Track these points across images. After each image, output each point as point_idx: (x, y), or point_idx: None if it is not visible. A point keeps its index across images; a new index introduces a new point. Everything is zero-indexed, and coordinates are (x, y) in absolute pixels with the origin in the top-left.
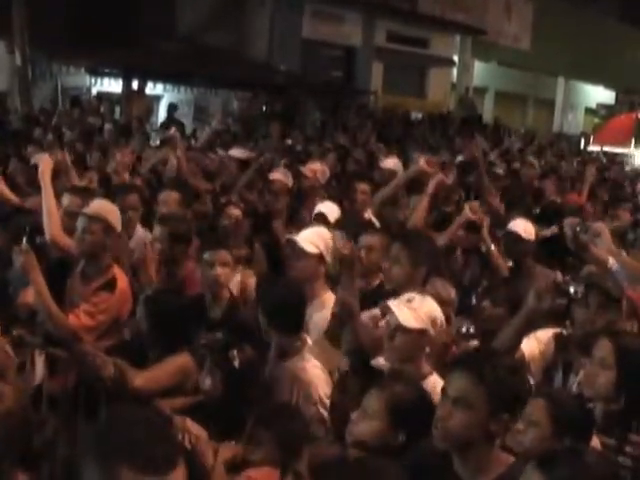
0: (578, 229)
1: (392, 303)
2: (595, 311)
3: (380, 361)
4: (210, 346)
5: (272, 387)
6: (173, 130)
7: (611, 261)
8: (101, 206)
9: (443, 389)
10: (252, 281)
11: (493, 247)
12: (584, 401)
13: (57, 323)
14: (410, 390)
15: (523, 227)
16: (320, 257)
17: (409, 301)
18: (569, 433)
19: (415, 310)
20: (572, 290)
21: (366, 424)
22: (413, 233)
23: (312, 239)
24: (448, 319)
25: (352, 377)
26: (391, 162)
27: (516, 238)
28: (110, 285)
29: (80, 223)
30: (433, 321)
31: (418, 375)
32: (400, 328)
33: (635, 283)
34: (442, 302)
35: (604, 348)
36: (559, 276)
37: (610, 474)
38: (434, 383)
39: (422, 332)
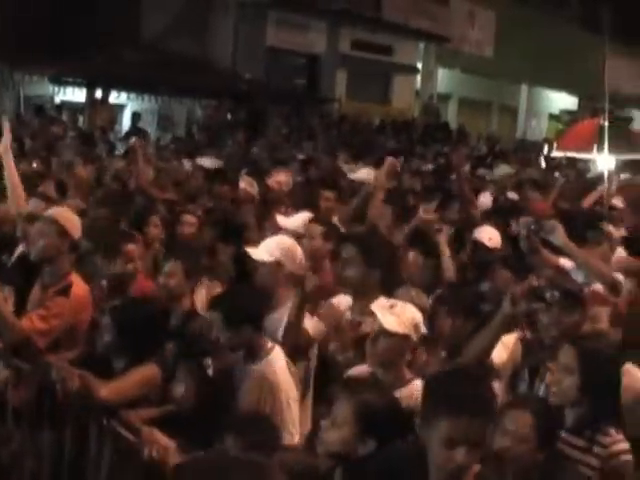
0: (532, 227)
1: (375, 308)
2: (559, 313)
3: (358, 370)
4: (184, 355)
5: (240, 392)
6: (134, 140)
7: (562, 262)
8: (59, 211)
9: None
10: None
11: (448, 254)
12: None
13: (9, 327)
14: (379, 397)
15: (488, 235)
16: (277, 264)
17: (392, 307)
18: (549, 442)
19: (398, 315)
20: (548, 295)
21: (335, 432)
22: (365, 234)
23: (269, 248)
24: None
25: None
26: (363, 173)
27: (480, 246)
28: (66, 291)
29: (36, 226)
30: (415, 327)
31: (400, 380)
32: (383, 332)
33: (593, 280)
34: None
35: (567, 355)
36: (534, 280)
37: None
38: (418, 388)
39: (405, 337)
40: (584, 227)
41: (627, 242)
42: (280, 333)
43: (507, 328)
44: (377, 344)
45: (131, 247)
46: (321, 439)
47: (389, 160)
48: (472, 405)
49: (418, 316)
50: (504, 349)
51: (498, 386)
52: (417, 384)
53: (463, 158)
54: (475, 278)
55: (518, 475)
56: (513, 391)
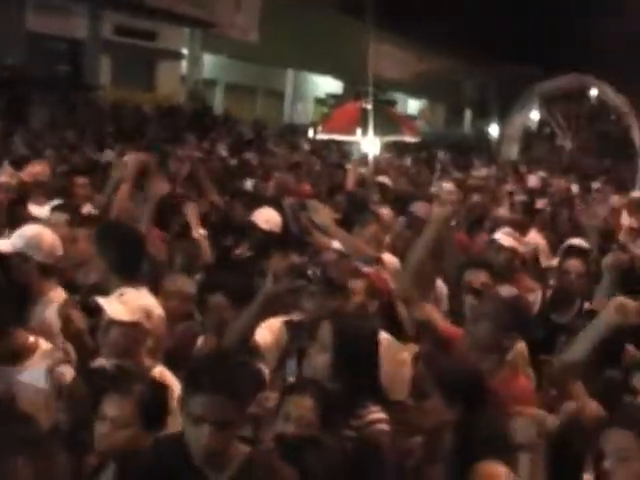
0: (295, 208)
1: (102, 299)
2: (322, 299)
3: (101, 361)
4: None
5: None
6: None
7: (335, 245)
8: None
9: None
10: None
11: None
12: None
13: None
14: (153, 387)
15: (265, 217)
16: (20, 255)
17: (121, 295)
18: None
19: (127, 303)
20: (310, 272)
21: (119, 433)
22: (108, 224)
23: (13, 239)
24: (191, 315)
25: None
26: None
27: (254, 228)
28: None
29: None
30: (148, 314)
31: (142, 369)
32: (111, 322)
33: (356, 258)
34: (184, 298)
35: (324, 331)
36: (296, 258)
37: None
38: (160, 374)
39: (135, 325)
40: (352, 209)
41: None
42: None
43: (271, 307)
44: (108, 335)
45: None
46: (100, 442)
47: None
48: (215, 383)
49: (151, 302)
50: (269, 332)
51: (265, 369)
52: (158, 371)
53: (194, 147)
54: (251, 260)
55: None
56: (281, 375)
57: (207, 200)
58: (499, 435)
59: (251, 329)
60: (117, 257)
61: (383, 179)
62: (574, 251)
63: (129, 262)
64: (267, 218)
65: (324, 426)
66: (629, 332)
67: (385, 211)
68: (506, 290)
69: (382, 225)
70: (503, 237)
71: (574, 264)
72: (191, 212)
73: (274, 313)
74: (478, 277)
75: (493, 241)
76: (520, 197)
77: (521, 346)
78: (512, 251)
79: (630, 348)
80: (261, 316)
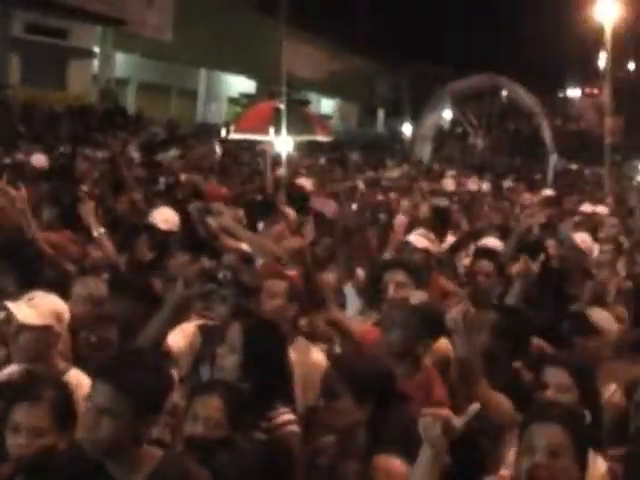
0: (201, 211)
1: (11, 304)
2: (233, 303)
3: (8, 370)
4: None
5: None
6: None
7: (245, 247)
8: None
9: (89, 396)
10: None
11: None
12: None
13: None
14: (65, 390)
15: (163, 217)
16: None
17: (30, 299)
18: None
19: (36, 307)
20: (220, 275)
21: (36, 442)
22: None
23: None
24: (102, 318)
25: None
26: (38, 159)
27: (153, 228)
28: None
29: None
30: (58, 317)
31: (56, 372)
32: (21, 327)
33: (263, 258)
34: (96, 301)
35: (233, 331)
36: (207, 262)
37: None
38: (75, 377)
39: (46, 328)
40: (261, 209)
41: None
42: None
43: (182, 310)
44: (18, 339)
45: None
46: (17, 453)
47: None
48: (109, 372)
49: (60, 306)
50: (182, 337)
51: (177, 373)
52: (74, 373)
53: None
54: (154, 261)
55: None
56: (194, 379)
57: (127, 199)
58: (407, 431)
59: (163, 334)
60: (13, 271)
61: (301, 181)
62: (483, 252)
63: (25, 275)
64: (165, 218)
65: (233, 427)
66: (539, 326)
67: (289, 211)
68: (416, 296)
69: (289, 224)
70: (417, 238)
71: (483, 265)
72: (87, 211)
73: (185, 317)
74: (395, 277)
75: (407, 243)
76: (437, 201)
77: (444, 343)
78: (426, 252)
79: (537, 341)
80: (172, 321)
